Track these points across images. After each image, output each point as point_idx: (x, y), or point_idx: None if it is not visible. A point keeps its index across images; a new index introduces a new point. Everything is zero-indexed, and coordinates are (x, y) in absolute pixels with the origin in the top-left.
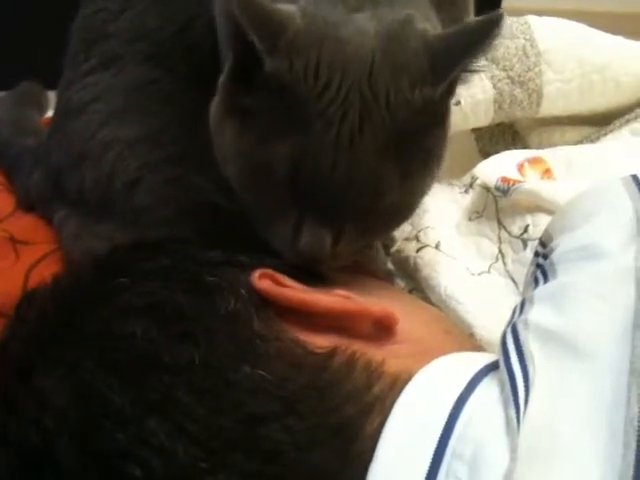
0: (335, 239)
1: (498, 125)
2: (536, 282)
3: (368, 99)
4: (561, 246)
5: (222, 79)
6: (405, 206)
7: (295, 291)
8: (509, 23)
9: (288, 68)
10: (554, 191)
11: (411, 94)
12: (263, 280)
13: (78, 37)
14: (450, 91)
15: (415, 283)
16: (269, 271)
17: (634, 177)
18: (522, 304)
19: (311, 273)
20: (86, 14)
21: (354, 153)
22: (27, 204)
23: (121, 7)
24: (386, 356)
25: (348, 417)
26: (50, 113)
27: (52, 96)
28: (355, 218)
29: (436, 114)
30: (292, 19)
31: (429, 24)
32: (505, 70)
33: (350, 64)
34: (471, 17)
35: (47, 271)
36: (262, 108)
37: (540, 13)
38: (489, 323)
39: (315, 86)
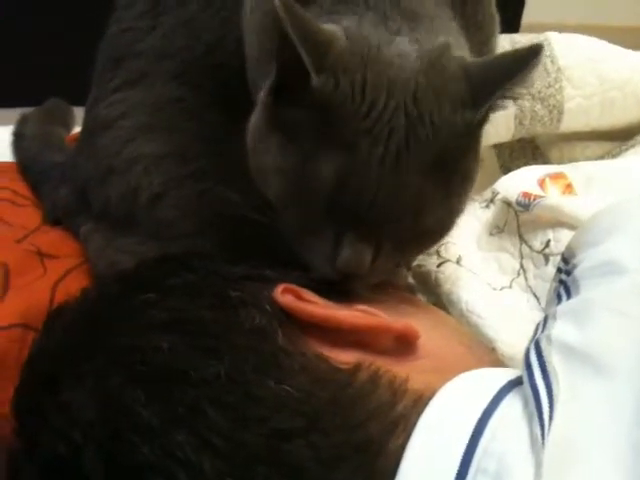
0: (374, 255)
1: (519, 140)
2: (559, 298)
3: (414, 119)
4: (583, 262)
5: (262, 95)
6: (444, 225)
7: (317, 306)
8: (529, 40)
9: (334, 85)
10: (576, 206)
11: (453, 116)
12: (285, 295)
13: (106, 55)
14: (486, 117)
15: (436, 298)
16: (292, 286)
17: None
18: (545, 320)
19: (334, 288)
20: (114, 33)
21: (400, 171)
22: (54, 218)
23: (149, 26)
24: (409, 372)
25: (372, 434)
26: (76, 129)
27: (78, 112)
28: (395, 235)
29: (473, 137)
30: (337, 38)
31: (462, 51)
32: (528, 88)
33: (395, 84)
34: (496, 38)
35: (74, 284)
36: (306, 124)
37: (559, 28)
38: (510, 338)
39: (362, 104)
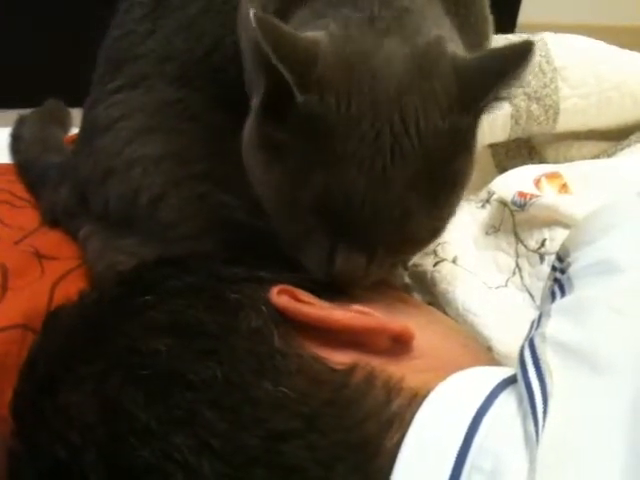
0: (368, 261)
1: (514, 140)
2: (553, 296)
3: (399, 131)
4: (578, 261)
5: (254, 105)
6: (434, 228)
7: (313, 307)
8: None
9: (319, 101)
10: (571, 206)
11: (441, 122)
12: (281, 296)
13: (106, 58)
14: (478, 120)
15: (432, 297)
16: (288, 287)
17: None
18: (539, 318)
19: (329, 288)
20: (114, 36)
21: (385, 186)
22: (52, 219)
23: (149, 29)
24: (405, 371)
25: (369, 434)
26: (73, 131)
27: (75, 114)
28: (387, 243)
29: (464, 140)
30: (321, 49)
31: (455, 46)
32: (521, 86)
33: (380, 96)
34: (490, 42)
35: (72, 286)
36: (293, 140)
37: (555, 28)
38: (506, 337)
39: (347, 120)
